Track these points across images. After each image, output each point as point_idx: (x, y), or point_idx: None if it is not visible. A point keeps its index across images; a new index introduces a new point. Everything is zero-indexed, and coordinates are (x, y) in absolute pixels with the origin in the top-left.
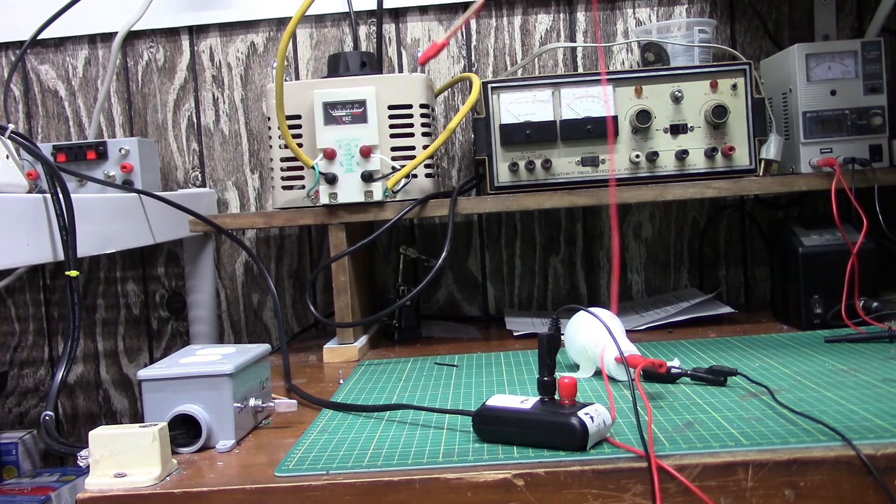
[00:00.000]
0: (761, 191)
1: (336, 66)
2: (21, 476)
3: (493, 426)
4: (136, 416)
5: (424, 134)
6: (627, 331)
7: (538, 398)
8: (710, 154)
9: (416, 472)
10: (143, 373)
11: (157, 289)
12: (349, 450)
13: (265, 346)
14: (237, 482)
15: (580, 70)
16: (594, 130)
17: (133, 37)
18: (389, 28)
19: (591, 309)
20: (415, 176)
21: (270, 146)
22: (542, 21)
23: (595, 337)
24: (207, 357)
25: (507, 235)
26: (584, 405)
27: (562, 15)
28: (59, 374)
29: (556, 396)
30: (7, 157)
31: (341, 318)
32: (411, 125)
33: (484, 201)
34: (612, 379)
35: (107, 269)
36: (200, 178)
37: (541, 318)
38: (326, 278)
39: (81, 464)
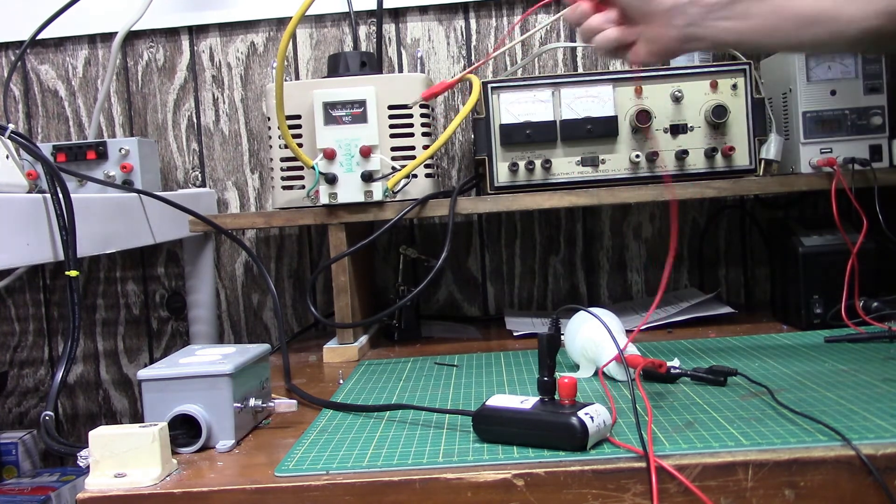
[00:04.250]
0: (761, 191)
1: (336, 66)
2: (21, 476)
3: (493, 426)
4: (136, 416)
5: (424, 134)
6: (627, 331)
7: (538, 398)
8: (710, 154)
9: (416, 472)
10: (143, 373)
11: (157, 289)
12: (349, 450)
13: (265, 346)
14: (237, 482)
15: (580, 70)
16: (594, 130)
17: (133, 37)
18: (389, 28)
19: (591, 309)
20: (415, 176)
21: (270, 146)
22: (542, 21)
23: (595, 337)
24: (207, 357)
25: (507, 235)
26: (584, 405)
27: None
28: (59, 374)
29: (556, 396)
30: (7, 157)
31: (341, 319)
32: (411, 125)
33: (484, 201)
34: (612, 379)
35: (107, 269)
36: (200, 178)
37: (541, 318)
38: (326, 278)
39: (81, 464)
